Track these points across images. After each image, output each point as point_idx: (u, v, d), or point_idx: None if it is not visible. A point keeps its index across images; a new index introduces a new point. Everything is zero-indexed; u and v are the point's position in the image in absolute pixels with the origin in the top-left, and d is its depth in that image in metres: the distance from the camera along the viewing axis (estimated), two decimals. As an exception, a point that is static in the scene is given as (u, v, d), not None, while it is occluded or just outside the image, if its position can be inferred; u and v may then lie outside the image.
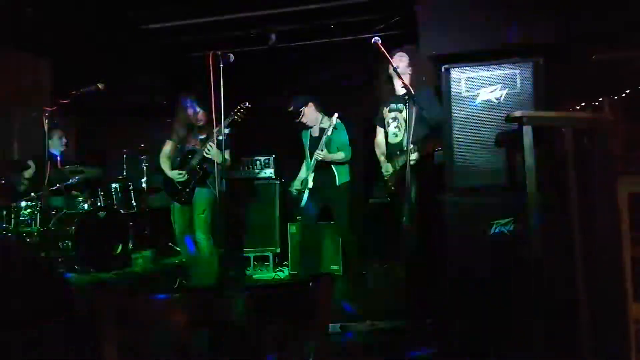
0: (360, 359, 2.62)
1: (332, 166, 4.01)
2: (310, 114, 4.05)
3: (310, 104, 4.05)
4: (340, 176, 4.02)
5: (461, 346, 2.45)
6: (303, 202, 4.06)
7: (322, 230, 4.47)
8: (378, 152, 3.86)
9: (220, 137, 3.43)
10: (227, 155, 3.72)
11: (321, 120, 4.10)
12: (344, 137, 4.04)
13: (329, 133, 3.85)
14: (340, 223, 4.11)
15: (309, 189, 4.00)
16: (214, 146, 3.57)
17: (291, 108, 4.03)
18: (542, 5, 2.61)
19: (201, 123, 3.87)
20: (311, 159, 4.06)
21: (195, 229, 3.79)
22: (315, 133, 4.13)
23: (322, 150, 3.88)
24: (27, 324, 2.30)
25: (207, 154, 3.66)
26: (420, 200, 3.37)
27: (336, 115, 3.84)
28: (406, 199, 3.22)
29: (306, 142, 4.21)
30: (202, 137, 3.86)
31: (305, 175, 4.10)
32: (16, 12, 4.74)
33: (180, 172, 3.76)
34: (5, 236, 4.40)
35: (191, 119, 3.84)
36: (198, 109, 3.81)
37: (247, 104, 3.60)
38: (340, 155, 3.97)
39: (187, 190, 3.78)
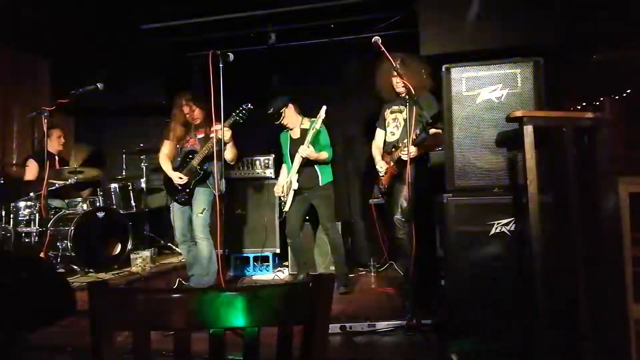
0: (360, 359, 2.62)
1: (316, 166, 3.94)
2: (290, 116, 3.98)
3: (290, 105, 3.97)
4: (324, 176, 3.96)
5: (460, 346, 2.44)
6: (287, 207, 4.01)
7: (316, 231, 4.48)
8: (375, 151, 3.85)
9: (220, 137, 3.40)
10: (232, 151, 3.71)
11: (302, 121, 4.03)
12: (325, 138, 3.97)
13: (317, 126, 3.74)
14: (325, 223, 4.02)
15: (294, 190, 3.93)
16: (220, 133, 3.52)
17: (270, 110, 3.94)
18: (542, 6, 2.61)
19: (198, 122, 3.86)
20: (292, 161, 3.99)
21: (194, 228, 3.79)
22: (296, 135, 4.05)
23: (307, 147, 3.78)
24: (27, 324, 2.30)
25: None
26: (420, 198, 3.37)
27: (325, 108, 3.72)
28: (406, 198, 3.22)
29: (285, 144, 4.13)
30: (201, 136, 3.86)
31: (287, 178, 4.03)
32: (16, 12, 4.73)
33: (181, 175, 3.75)
34: (4, 236, 4.39)
35: (187, 118, 3.84)
36: (194, 108, 3.81)
37: (249, 105, 3.58)
38: (324, 155, 3.87)
39: (187, 190, 3.78)
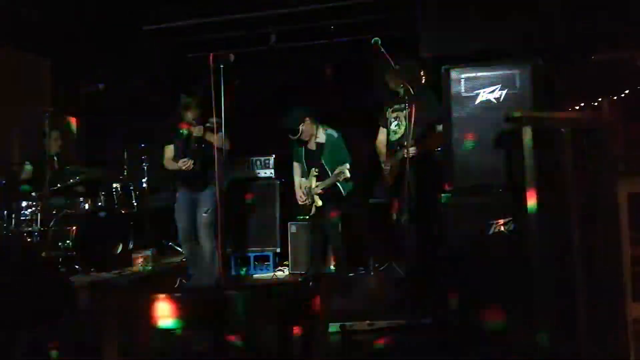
0: (360, 359, 2.63)
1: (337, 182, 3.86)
2: (307, 130, 3.92)
3: (307, 119, 3.89)
4: (345, 187, 3.89)
5: (460, 345, 2.45)
6: (313, 211, 3.99)
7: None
8: (380, 150, 3.85)
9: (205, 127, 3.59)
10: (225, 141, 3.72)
11: (317, 132, 3.97)
12: (342, 151, 3.93)
13: (322, 144, 3.73)
14: (327, 223, 3.96)
15: (317, 207, 3.92)
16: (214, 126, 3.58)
17: (287, 126, 3.89)
18: (542, 6, 2.61)
19: (194, 117, 3.86)
20: (308, 170, 3.98)
21: (199, 228, 3.80)
22: (312, 146, 4.01)
23: (317, 187, 3.83)
24: (28, 324, 2.31)
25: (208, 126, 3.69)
26: (419, 198, 3.37)
27: (347, 165, 3.63)
28: (406, 197, 3.23)
29: (301, 154, 4.08)
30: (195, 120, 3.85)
31: (307, 183, 3.99)
32: (16, 12, 4.75)
33: (184, 159, 3.74)
34: (6, 236, 4.41)
35: (187, 117, 3.87)
36: (192, 106, 3.83)
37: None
38: (345, 172, 3.66)
39: (198, 174, 3.77)
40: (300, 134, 3.90)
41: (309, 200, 3.99)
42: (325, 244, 4.21)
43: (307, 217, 4.15)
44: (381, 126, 3.86)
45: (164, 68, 5.80)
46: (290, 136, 3.93)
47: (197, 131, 3.71)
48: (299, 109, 3.94)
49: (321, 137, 3.96)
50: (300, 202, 4.10)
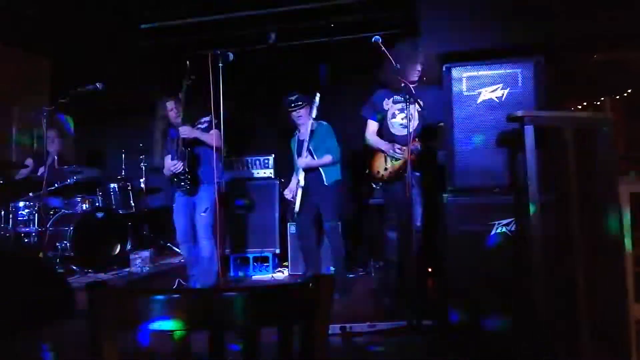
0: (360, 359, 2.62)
1: (320, 168, 3.91)
2: (304, 116, 3.93)
3: (308, 106, 3.90)
4: (328, 175, 3.90)
5: (460, 346, 2.44)
6: (297, 209, 3.96)
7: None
8: (374, 143, 3.64)
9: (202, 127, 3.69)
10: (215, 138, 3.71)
11: (310, 126, 3.94)
12: (331, 139, 3.94)
13: (313, 115, 3.78)
14: (324, 224, 3.93)
15: (302, 191, 3.91)
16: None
17: (288, 103, 3.92)
18: (543, 5, 2.61)
19: (178, 119, 3.85)
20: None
21: (197, 228, 3.78)
22: (304, 136, 3.98)
23: (306, 157, 3.83)
24: (27, 324, 2.29)
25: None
26: (420, 198, 3.35)
27: (318, 95, 3.74)
28: (408, 198, 3.21)
29: (294, 147, 4.10)
30: (179, 121, 3.84)
31: (295, 179, 4.00)
32: (17, 12, 4.73)
33: (175, 162, 3.73)
34: (4, 237, 4.39)
35: (170, 118, 3.87)
36: (175, 106, 3.84)
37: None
38: (327, 159, 3.86)
39: (188, 176, 3.74)
40: (297, 110, 3.92)
41: (294, 195, 3.97)
42: (317, 243, 4.20)
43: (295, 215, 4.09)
44: (371, 119, 3.74)
45: (164, 67, 5.78)
46: (288, 108, 3.94)
47: (182, 132, 3.70)
48: (302, 95, 3.97)
49: (313, 126, 3.97)
50: (286, 197, 4.09)
